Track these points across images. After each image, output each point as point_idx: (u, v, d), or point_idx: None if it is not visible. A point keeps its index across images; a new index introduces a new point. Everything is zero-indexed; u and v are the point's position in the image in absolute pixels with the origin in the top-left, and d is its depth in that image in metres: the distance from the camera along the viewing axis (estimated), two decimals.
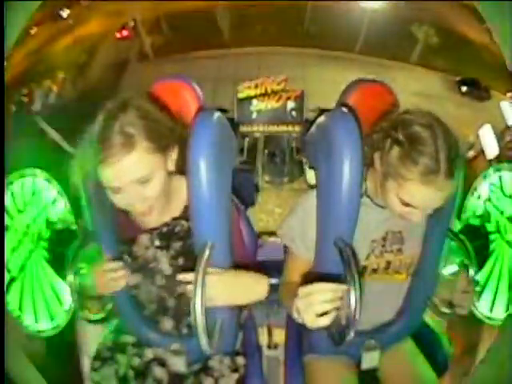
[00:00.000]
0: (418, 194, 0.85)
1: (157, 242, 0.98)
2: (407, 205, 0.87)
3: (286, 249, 1.12)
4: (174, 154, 0.91)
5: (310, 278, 1.06)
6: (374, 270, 1.03)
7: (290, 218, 1.06)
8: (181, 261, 0.98)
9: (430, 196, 0.84)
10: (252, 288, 0.95)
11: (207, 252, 0.84)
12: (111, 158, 0.79)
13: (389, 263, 1.03)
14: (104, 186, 0.85)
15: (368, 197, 0.98)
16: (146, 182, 0.84)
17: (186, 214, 0.95)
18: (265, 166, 2.78)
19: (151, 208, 0.88)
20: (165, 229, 0.98)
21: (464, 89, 6.21)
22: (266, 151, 2.99)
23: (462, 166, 0.87)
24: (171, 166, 0.91)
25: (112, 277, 0.91)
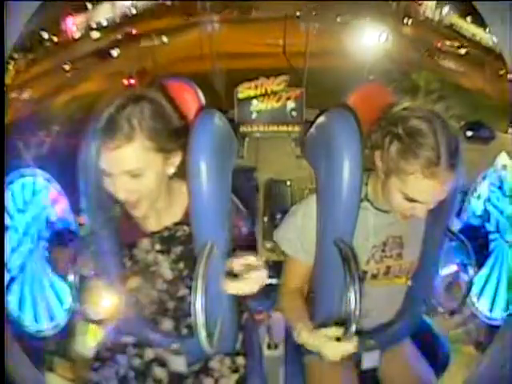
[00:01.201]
0: (421, 188, 0.84)
1: (158, 246, 0.98)
2: (411, 200, 0.87)
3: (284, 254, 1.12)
4: (176, 159, 0.90)
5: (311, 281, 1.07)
6: (374, 276, 1.03)
7: (289, 223, 1.06)
8: (181, 265, 0.98)
9: (434, 188, 0.84)
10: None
11: (207, 253, 0.84)
12: (111, 143, 0.80)
13: (389, 268, 1.03)
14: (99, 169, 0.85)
15: (368, 201, 0.98)
16: (136, 176, 0.84)
17: (187, 219, 0.94)
18: (266, 231, 2.43)
19: (139, 201, 0.88)
20: (166, 233, 0.98)
21: (469, 133, 6.23)
22: (266, 217, 2.60)
23: (462, 159, 0.87)
24: (171, 170, 0.91)
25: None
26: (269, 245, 2.25)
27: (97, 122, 0.83)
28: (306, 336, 0.90)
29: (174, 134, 0.87)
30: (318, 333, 0.88)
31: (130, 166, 0.83)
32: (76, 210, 1.52)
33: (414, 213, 0.90)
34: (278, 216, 2.38)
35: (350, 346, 0.85)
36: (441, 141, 0.81)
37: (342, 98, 1.05)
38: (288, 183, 2.84)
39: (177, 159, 0.90)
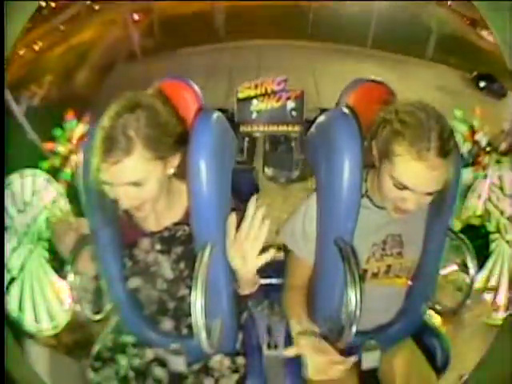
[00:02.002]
0: (408, 170, 0.84)
1: (158, 246, 0.98)
2: (401, 187, 0.86)
3: (287, 252, 1.12)
4: (175, 161, 0.90)
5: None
6: (375, 274, 1.03)
7: (293, 221, 1.07)
8: (182, 265, 0.98)
9: (422, 173, 0.83)
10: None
11: (207, 253, 0.84)
12: (110, 157, 0.80)
13: (389, 267, 1.03)
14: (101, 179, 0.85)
15: (368, 197, 0.98)
16: (139, 185, 0.84)
17: (187, 219, 0.94)
18: (266, 156, 2.17)
19: (142, 204, 0.88)
20: (166, 233, 0.98)
21: (482, 84, 6.12)
22: (268, 139, 2.36)
23: (457, 153, 0.86)
24: (171, 171, 0.91)
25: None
26: (270, 172, 2.08)
27: (93, 137, 0.83)
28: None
29: (172, 141, 0.86)
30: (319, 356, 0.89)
31: (132, 178, 0.83)
32: (76, 210, 1.52)
33: (404, 206, 0.89)
34: (282, 138, 2.18)
35: (335, 371, 0.87)
36: (432, 128, 0.82)
37: (342, 98, 1.05)
38: None
39: (176, 161, 0.90)
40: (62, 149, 1.95)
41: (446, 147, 0.82)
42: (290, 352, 0.92)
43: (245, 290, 0.98)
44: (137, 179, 0.83)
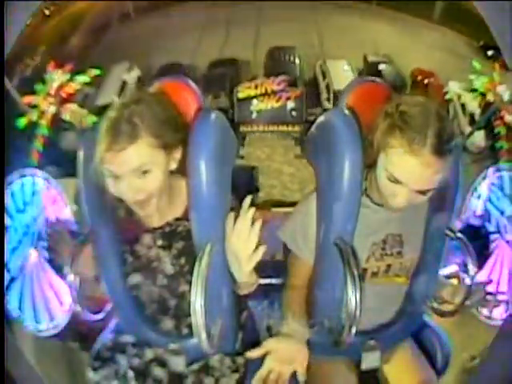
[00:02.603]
0: (402, 164, 0.83)
1: (159, 242, 0.98)
2: (394, 181, 0.86)
3: (287, 252, 1.12)
4: (177, 154, 0.92)
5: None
6: (375, 274, 1.03)
7: (293, 221, 1.06)
8: (183, 260, 0.98)
9: (415, 169, 0.82)
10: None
11: (207, 252, 0.84)
12: (115, 145, 0.81)
13: (389, 266, 1.03)
14: (104, 172, 0.86)
15: (368, 196, 0.98)
16: (144, 173, 0.85)
17: (187, 215, 0.95)
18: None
19: (147, 200, 0.88)
20: (167, 228, 0.98)
21: (490, 52, 6.08)
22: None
23: (458, 154, 0.86)
24: (173, 165, 0.92)
25: None
26: None
27: (95, 130, 0.84)
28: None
29: (174, 128, 0.88)
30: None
31: (137, 163, 0.83)
32: (76, 209, 1.52)
33: (394, 200, 0.88)
34: None
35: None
36: (431, 124, 0.81)
37: (342, 98, 1.05)
38: None
39: (178, 154, 0.91)
40: (40, 101, 1.95)
41: (443, 147, 0.81)
42: (253, 354, 0.91)
43: (243, 290, 0.98)
44: (142, 164, 0.84)
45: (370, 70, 6.46)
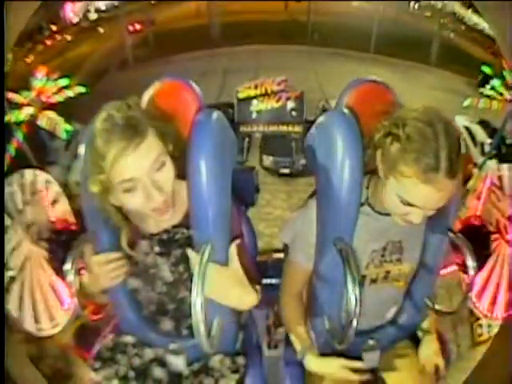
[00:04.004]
0: (417, 192, 0.82)
1: (157, 249, 0.97)
2: (408, 204, 0.85)
3: (285, 254, 1.12)
4: (170, 147, 0.90)
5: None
6: (373, 280, 1.02)
7: (292, 224, 1.06)
8: (181, 268, 0.97)
9: (430, 195, 0.82)
10: (240, 298, 0.93)
11: (207, 253, 0.84)
12: (128, 146, 0.79)
13: (388, 273, 1.03)
14: (117, 187, 0.83)
15: (369, 205, 0.97)
16: (161, 166, 0.84)
17: (186, 222, 0.94)
18: (266, 143, 1.97)
19: (167, 203, 0.87)
20: (165, 235, 0.97)
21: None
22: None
23: (462, 165, 0.86)
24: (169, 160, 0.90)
25: (112, 267, 0.91)
26: (268, 161, 2.02)
27: (89, 139, 0.83)
28: (314, 363, 1.02)
29: (166, 120, 0.89)
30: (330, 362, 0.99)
31: (154, 154, 0.82)
32: (76, 210, 1.52)
33: (410, 218, 0.88)
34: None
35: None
36: (442, 146, 0.79)
37: (342, 98, 1.05)
38: None
39: (171, 147, 0.90)
40: (21, 99, 1.95)
41: (455, 167, 0.80)
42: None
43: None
44: (158, 155, 0.83)
45: None
